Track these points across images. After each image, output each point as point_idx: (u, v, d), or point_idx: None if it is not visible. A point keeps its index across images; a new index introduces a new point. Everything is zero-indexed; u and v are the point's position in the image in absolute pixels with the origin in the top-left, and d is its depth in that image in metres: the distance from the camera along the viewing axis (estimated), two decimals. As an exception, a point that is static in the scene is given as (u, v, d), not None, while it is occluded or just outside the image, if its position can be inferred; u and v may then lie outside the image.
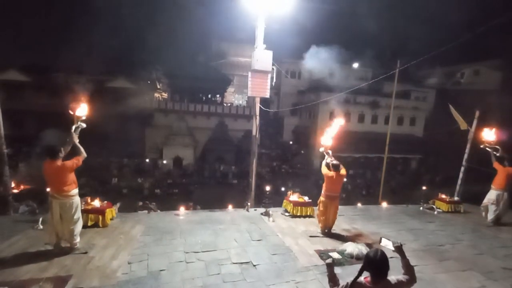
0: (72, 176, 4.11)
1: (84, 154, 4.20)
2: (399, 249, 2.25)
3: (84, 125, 4.32)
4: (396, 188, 21.81)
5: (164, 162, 24.47)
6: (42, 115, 22.34)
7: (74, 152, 4.18)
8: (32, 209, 9.59)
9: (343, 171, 5.31)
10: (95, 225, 5.13)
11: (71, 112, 4.25)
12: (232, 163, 25.54)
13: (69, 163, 4.07)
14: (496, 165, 6.52)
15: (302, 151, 28.80)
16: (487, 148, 6.72)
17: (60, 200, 4.01)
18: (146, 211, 6.84)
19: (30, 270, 3.60)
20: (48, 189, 4.06)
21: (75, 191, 4.16)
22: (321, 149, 5.69)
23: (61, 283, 3.35)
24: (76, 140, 4.20)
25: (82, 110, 4.30)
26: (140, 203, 8.83)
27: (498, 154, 6.54)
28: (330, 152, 5.59)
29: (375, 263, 1.99)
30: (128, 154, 23.81)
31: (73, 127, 4.21)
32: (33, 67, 25.10)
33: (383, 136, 14.29)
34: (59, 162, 4.00)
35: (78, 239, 4.23)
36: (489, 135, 6.81)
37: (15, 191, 5.82)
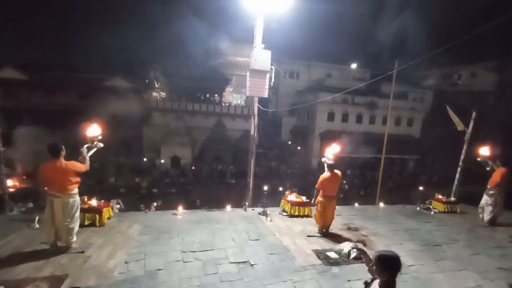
0: (76, 176, 4.15)
1: (88, 166, 4.28)
2: (362, 251, 2.59)
3: (101, 145, 4.47)
4: (393, 188, 21.92)
5: (162, 161, 24.41)
6: (39, 113, 22.21)
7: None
8: (28, 208, 9.53)
9: (337, 172, 5.40)
10: (92, 224, 5.11)
11: (85, 133, 4.38)
12: (230, 162, 25.51)
13: (77, 165, 4.13)
14: (495, 173, 6.54)
15: (300, 151, 28.87)
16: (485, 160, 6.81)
17: (63, 199, 4.02)
18: (147, 210, 6.81)
19: (26, 269, 3.58)
20: (46, 189, 4.02)
21: (77, 189, 4.21)
22: (324, 159, 5.68)
23: (57, 282, 3.33)
24: (87, 157, 4.31)
25: (95, 130, 4.41)
26: (155, 204, 8.90)
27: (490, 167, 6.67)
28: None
29: (398, 261, 1.96)
30: (126, 153, 23.71)
31: (85, 146, 4.33)
32: (30, 65, 24.93)
33: (380, 137, 14.36)
34: (62, 161, 4.02)
35: (75, 238, 4.22)
36: (484, 151, 6.91)
37: (11, 189, 5.76)
